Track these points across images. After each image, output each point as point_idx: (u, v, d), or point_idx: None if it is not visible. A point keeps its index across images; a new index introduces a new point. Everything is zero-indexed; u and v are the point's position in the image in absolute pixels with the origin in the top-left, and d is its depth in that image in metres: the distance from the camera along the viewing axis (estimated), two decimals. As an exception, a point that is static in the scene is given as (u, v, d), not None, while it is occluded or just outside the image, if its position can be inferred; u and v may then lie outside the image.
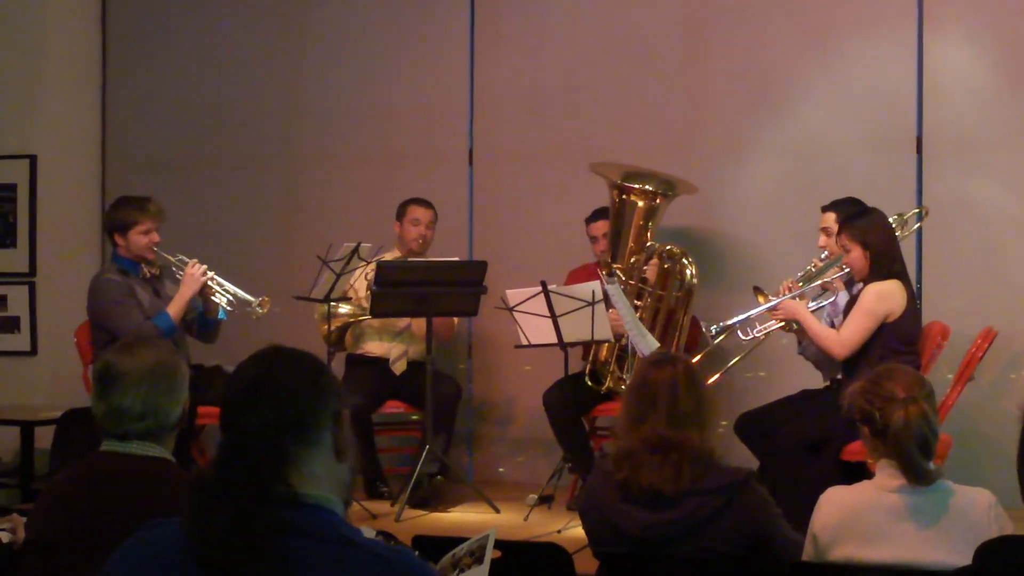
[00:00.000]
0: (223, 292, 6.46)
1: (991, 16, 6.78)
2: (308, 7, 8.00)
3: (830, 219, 6.11)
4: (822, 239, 6.14)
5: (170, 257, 6.47)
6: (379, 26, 7.85)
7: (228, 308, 6.45)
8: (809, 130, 7.06)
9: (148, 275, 6.52)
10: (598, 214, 6.90)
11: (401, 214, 7.03)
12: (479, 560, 2.65)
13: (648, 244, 6.66)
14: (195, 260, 6.42)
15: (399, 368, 6.97)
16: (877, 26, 6.95)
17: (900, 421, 3.48)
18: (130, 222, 6.42)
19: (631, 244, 6.68)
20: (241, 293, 6.46)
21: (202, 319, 6.55)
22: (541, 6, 7.60)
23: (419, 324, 6.84)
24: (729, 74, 7.24)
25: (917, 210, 6.48)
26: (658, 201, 6.68)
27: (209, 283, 6.42)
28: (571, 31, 7.52)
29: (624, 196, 6.68)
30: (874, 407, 3.55)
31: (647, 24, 7.38)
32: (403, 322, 6.95)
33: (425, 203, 7.05)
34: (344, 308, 6.88)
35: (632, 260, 6.65)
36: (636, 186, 6.65)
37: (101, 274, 6.54)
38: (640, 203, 6.66)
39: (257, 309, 6.39)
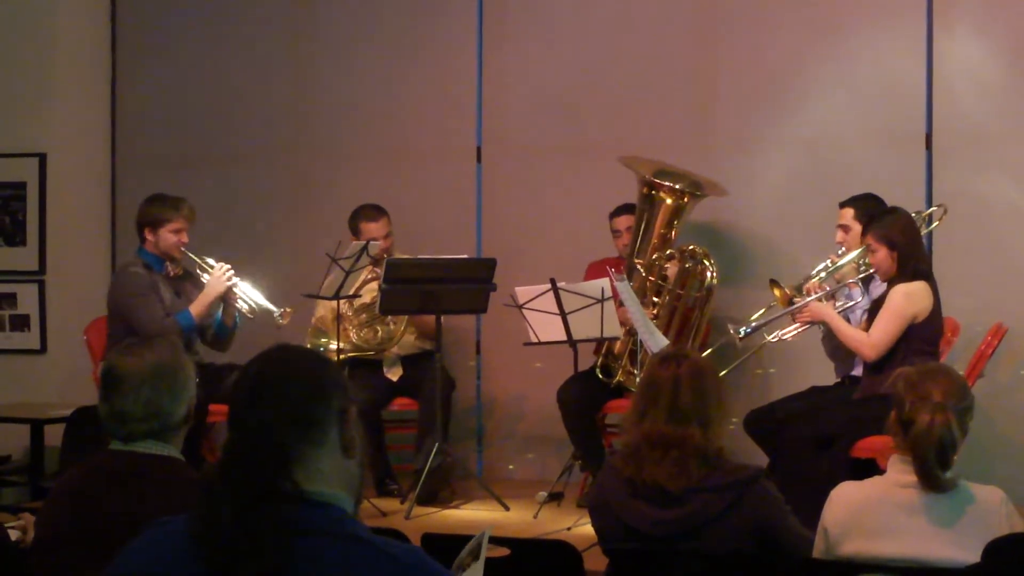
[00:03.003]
0: (246, 299, 6.45)
1: (1000, 11, 6.76)
2: (318, 4, 8.00)
3: (848, 215, 6.08)
4: (839, 235, 6.10)
5: (197, 259, 6.49)
6: (388, 23, 7.85)
7: (249, 316, 6.44)
8: (819, 126, 7.05)
9: (172, 274, 6.54)
10: (622, 209, 6.88)
11: (355, 231, 6.93)
12: (476, 557, 2.68)
13: (670, 242, 6.65)
14: (222, 263, 6.43)
15: (395, 374, 6.96)
16: (886, 21, 6.94)
17: (924, 425, 3.47)
18: (163, 219, 6.46)
19: (654, 240, 6.66)
20: (264, 302, 6.43)
21: (219, 326, 6.55)
22: (550, 2, 7.59)
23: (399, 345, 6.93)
24: (738, 70, 7.23)
25: (934, 208, 6.46)
26: (686, 200, 6.66)
27: (233, 288, 6.43)
28: (580, 27, 7.51)
29: (653, 192, 6.66)
30: (907, 397, 3.54)
31: (657, 20, 7.37)
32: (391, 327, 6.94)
33: (374, 215, 6.94)
34: (333, 344, 6.76)
35: (654, 257, 6.63)
36: (666, 183, 6.63)
37: (126, 266, 6.56)
38: (668, 200, 6.64)
39: (278, 319, 6.36)
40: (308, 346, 6.59)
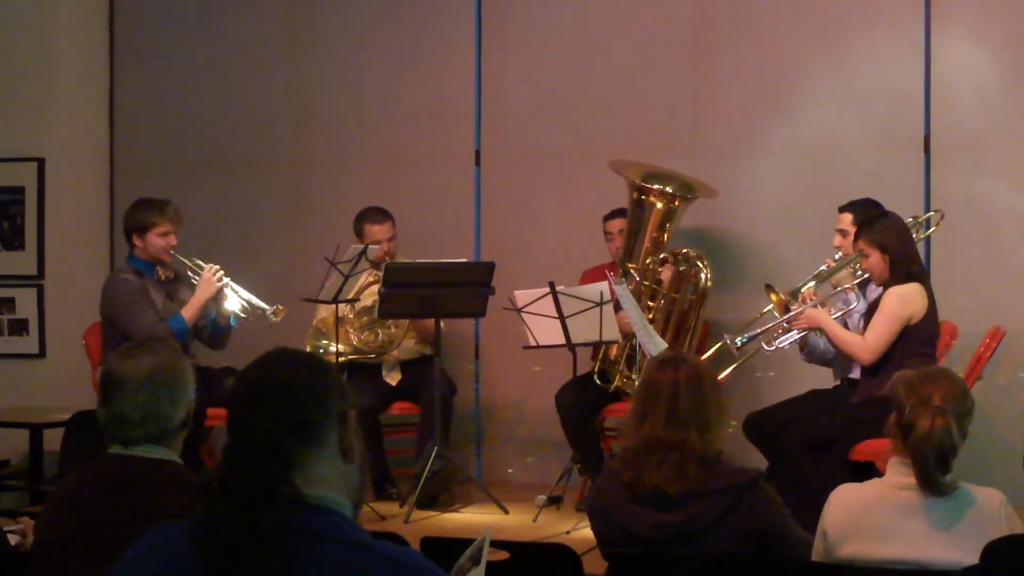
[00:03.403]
0: (238, 298, 6.45)
1: (998, 15, 6.76)
2: (316, 9, 8.01)
3: (847, 220, 6.07)
4: (837, 239, 6.10)
5: (186, 261, 6.48)
6: (386, 28, 7.85)
7: (242, 315, 6.44)
8: (817, 129, 7.04)
9: (163, 278, 6.53)
10: (616, 212, 6.89)
11: (360, 232, 6.93)
12: (477, 561, 2.68)
13: (663, 246, 6.65)
14: (212, 264, 6.43)
15: (394, 379, 6.96)
16: (885, 25, 6.94)
17: (924, 429, 3.47)
18: (149, 224, 6.44)
19: (647, 245, 6.66)
20: (256, 300, 6.44)
21: (214, 326, 6.55)
22: (548, 6, 7.59)
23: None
24: (737, 74, 7.23)
25: (931, 213, 6.46)
26: (676, 204, 6.66)
27: (224, 289, 6.43)
28: (578, 31, 7.51)
29: (643, 196, 6.65)
30: (907, 401, 3.54)
31: (655, 24, 7.37)
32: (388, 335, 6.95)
33: (379, 217, 6.95)
34: (333, 347, 6.76)
35: (648, 261, 6.63)
36: (655, 187, 6.63)
37: (116, 274, 6.56)
38: (659, 204, 6.64)
39: (271, 317, 6.36)
40: (308, 348, 6.61)
